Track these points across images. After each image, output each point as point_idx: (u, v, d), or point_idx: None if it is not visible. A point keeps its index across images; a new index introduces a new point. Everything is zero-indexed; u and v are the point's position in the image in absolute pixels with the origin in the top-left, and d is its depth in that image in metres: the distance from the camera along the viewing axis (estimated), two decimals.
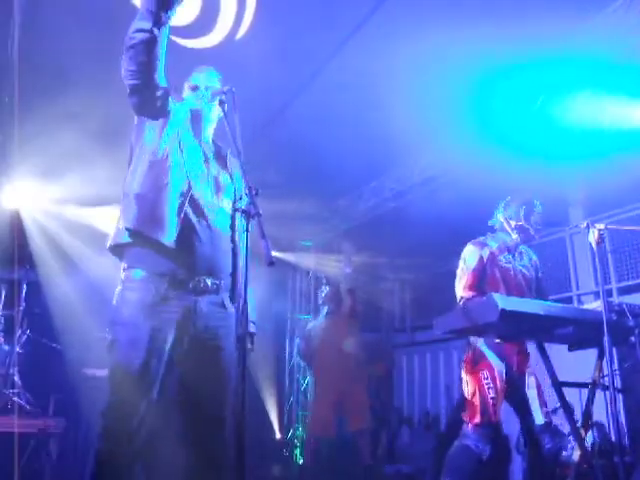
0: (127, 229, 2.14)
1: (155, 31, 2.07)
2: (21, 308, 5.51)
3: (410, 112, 5.05)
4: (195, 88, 2.45)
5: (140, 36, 2.08)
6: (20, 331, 5.45)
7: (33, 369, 5.40)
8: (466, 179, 5.70)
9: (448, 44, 4.33)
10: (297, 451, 8.19)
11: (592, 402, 3.09)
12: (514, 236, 3.62)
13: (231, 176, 2.40)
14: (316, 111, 5.45)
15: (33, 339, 5.54)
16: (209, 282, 2.17)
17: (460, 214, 5.29)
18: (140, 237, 2.13)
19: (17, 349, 5.30)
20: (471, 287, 3.44)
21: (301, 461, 8.01)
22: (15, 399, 4.90)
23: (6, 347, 5.27)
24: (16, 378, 5.07)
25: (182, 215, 2.14)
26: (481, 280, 3.49)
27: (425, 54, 4.45)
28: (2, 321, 5.37)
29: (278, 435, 8.16)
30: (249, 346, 2.26)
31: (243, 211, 1.85)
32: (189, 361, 2.17)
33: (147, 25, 2.07)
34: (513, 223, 3.62)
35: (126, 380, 2.01)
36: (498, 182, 4.27)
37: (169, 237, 2.09)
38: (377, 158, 6.26)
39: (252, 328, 2.37)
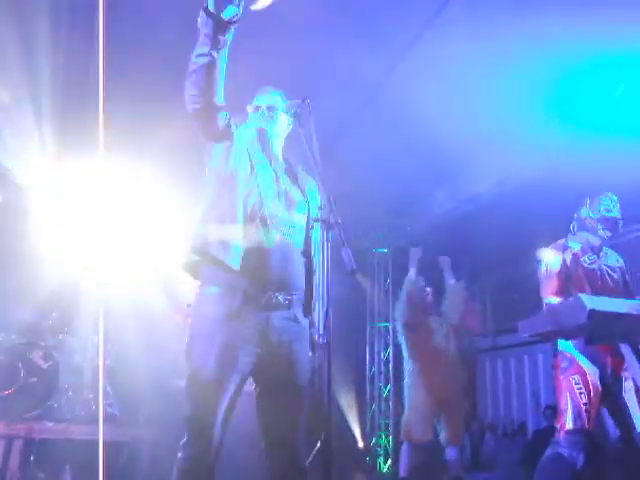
0: (193, 248, 2.22)
1: (214, 54, 2.14)
2: (111, 322, 5.76)
3: (480, 114, 4.97)
4: (257, 108, 2.50)
5: (200, 61, 2.15)
6: (110, 345, 5.70)
7: (123, 381, 5.62)
8: (542, 179, 5.53)
9: (516, 42, 4.24)
10: (380, 459, 8.14)
11: None
12: (601, 232, 3.49)
13: (303, 192, 2.42)
14: (383, 120, 5.44)
15: (122, 352, 5.77)
16: (281, 298, 2.19)
17: (539, 214, 5.15)
18: (205, 256, 2.20)
19: (108, 362, 5.55)
20: (557, 292, 3.33)
21: (385, 469, 7.95)
22: (109, 409, 5.13)
23: (98, 360, 5.52)
24: (108, 389, 5.30)
25: (250, 233, 2.18)
26: (566, 284, 3.37)
27: (492, 54, 4.37)
28: (95, 335, 5.61)
29: (361, 443, 8.14)
30: (311, 354, 2.29)
31: (323, 221, 1.86)
32: (264, 375, 2.22)
33: (206, 49, 2.14)
34: (597, 217, 3.49)
35: (201, 391, 2.09)
36: (579, 179, 4.12)
37: (234, 259, 2.13)
38: (449, 163, 6.17)
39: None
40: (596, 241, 3.53)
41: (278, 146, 2.52)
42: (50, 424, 4.66)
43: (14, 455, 4.25)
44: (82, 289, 5.85)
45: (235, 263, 2.13)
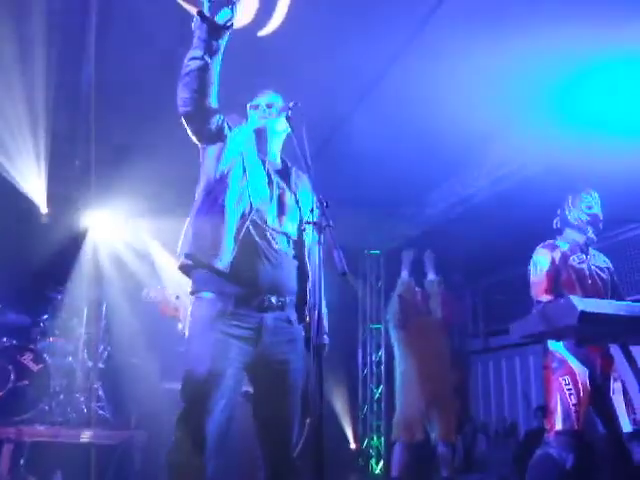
0: (184, 254, 2.23)
1: (207, 58, 2.17)
2: (102, 325, 5.75)
3: (475, 112, 4.96)
4: (256, 107, 2.51)
5: (193, 64, 2.18)
6: (102, 347, 5.69)
7: (115, 383, 5.61)
8: (537, 180, 5.54)
9: (514, 39, 4.21)
10: (373, 460, 8.14)
11: None
12: (584, 229, 3.52)
13: (295, 195, 2.43)
14: (378, 119, 5.42)
15: (113, 355, 5.76)
16: (273, 300, 2.21)
17: (532, 215, 5.15)
18: (195, 261, 2.21)
19: (99, 364, 5.53)
20: (547, 290, 3.35)
21: (377, 471, 7.95)
22: (100, 412, 5.12)
23: (90, 363, 5.50)
24: (100, 392, 5.29)
25: (240, 238, 2.18)
26: (556, 282, 3.40)
27: (489, 51, 4.35)
28: (85, 338, 5.60)
29: (353, 445, 8.14)
30: (304, 355, 2.30)
31: (314, 223, 1.87)
32: (258, 375, 2.24)
33: (199, 53, 2.17)
34: (584, 218, 3.52)
35: (193, 389, 2.08)
36: (575, 179, 4.12)
37: (223, 261, 2.14)
38: (442, 163, 6.17)
39: (324, 339, 2.38)
40: (581, 239, 3.56)
41: (276, 146, 2.52)
42: (41, 427, 4.65)
43: (4, 459, 4.23)
44: (74, 291, 5.84)
45: (225, 267, 2.14)
